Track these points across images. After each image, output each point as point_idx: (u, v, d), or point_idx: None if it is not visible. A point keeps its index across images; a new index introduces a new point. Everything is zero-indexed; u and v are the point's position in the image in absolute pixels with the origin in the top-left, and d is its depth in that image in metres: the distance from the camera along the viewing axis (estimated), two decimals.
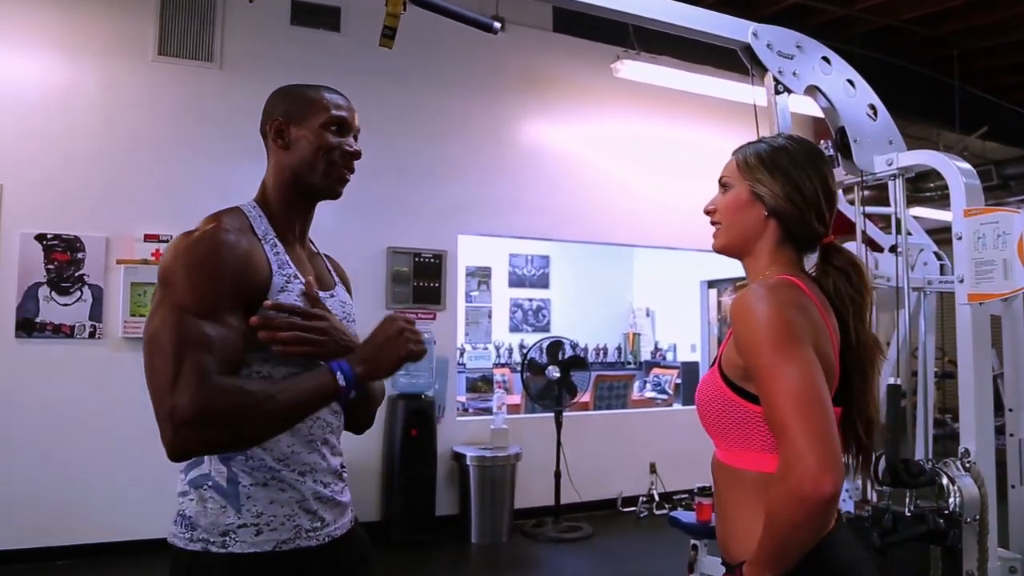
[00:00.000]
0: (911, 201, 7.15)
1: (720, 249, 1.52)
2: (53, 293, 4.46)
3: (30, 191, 4.46)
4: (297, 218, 1.52)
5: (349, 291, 1.67)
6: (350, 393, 1.37)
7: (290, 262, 1.44)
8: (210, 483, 1.36)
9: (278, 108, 1.51)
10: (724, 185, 1.51)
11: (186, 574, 1.35)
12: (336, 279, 1.61)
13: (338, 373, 1.35)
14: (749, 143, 1.52)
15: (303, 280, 1.44)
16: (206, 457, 1.35)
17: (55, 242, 4.47)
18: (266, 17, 5.03)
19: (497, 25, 2.12)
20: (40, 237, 4.45)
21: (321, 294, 1.48)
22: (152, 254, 4.54)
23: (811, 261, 1.51)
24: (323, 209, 1.56)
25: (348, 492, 1.54)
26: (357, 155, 1.52)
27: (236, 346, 1.30)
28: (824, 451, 1.18)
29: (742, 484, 1.37)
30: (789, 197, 1.43)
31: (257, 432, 1.31)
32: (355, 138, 1.54)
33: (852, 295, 1.43)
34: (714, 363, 1.44)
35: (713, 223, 1.53)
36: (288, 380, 1.34)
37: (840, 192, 3.17)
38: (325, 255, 1.66)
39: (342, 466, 1.53)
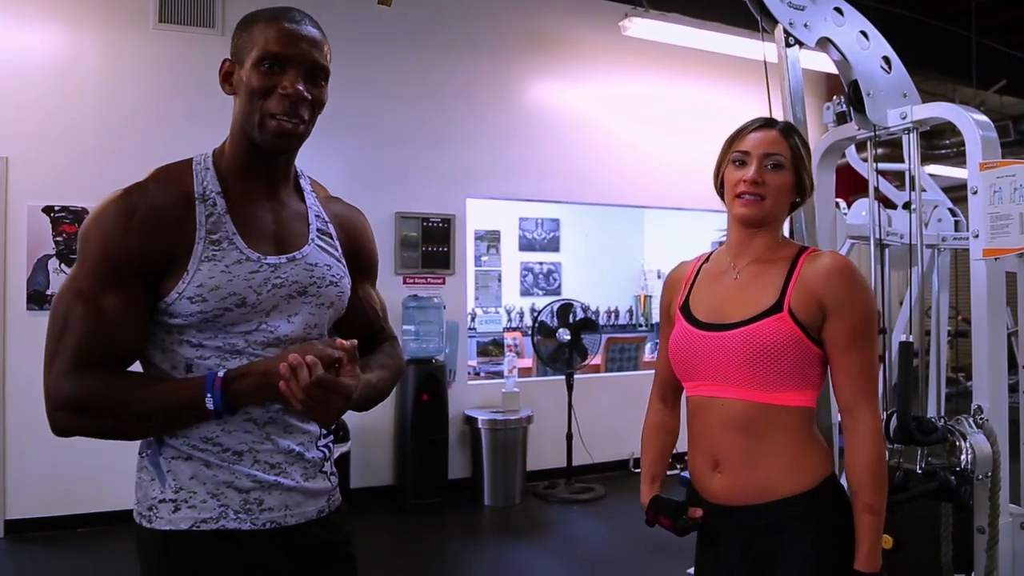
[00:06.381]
0: (926, 158, 7.06)
1: (757, 219, 1.59)
2: (62, 265, 4.47)
3: (35, 163, 4.46)
4: (258, 172, 1.34)
5: (361, 245, 1.51)
6: (224, 415, 1.23)
7: (231, 222, 1.28)
8: (147, 453, 1.30)
9: (231, 47, 1.31)
10: (778, 165, 1.57)
11: (137, 548, 1.30)
12: (313, 235, 1.39)
13: (208, 397, 1.20)
14: (788, 124, 1.64)
15: (241, 244, 1.27)
16: None
17: (62, 214, 4.48)
18: None
19: None
20: (48, 209, 4.46)
21: (276, 259, 1.31)
22: None
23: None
24: (329, 174, 1.50)
25: (322, 479, 1.39)
26: (295, 97, 1.25)
27: (129, 321, 1.22)
28: (879, 412, 1.55)
29: (790, 419, 1.50)
30: (811, 192, 1.64)
31: (126, 430, 1.25)
32: (317, 77, 1.29)
33: None
34: (773, 310, 1.51)
35: (756, 194, 1.56)
36: (160, 385, 1.24)
37: (853, 148, 3.12)
38: (334, 200, 1.50)
39: (311, 446, 1.37)
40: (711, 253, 1.74)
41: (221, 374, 1.21)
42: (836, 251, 1.56)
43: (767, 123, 1.62)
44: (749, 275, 1.59)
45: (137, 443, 1.32)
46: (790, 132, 1.61)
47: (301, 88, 1.26)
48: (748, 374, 1.51)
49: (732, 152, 1.61)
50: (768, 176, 1.56)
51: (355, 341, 1.24)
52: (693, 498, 1.64)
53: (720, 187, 1.66)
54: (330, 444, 1.44)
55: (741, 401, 1.52)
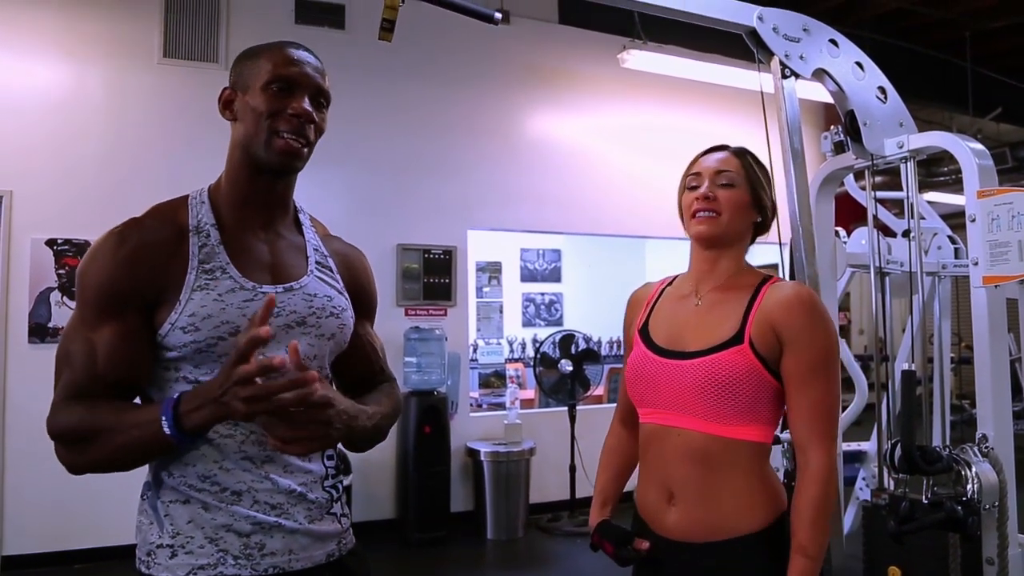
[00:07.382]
0: (924, 186, 7.09)
1: (714, 236, 1.57)
2: (64, 298, 4.48)
3: (39, 197, 4.48)
4: (256, 200, 1.34)
5: (362, 284, 1.50)
6: (189, 441, 1.17)
7: (224, 252, 1.28)
8: (146, 496, 1.27)
9: (231, 77, 1.34)
10: (729, 183, 1.56)
11: None
12: (312, 267, 1.38)
13: (164, 421, 1.14)
14: (740, 147, 1.64)
15: (237, 277, 1.26)
16: (148, 464, 1.26)
17: (65, 247, 4.49)
18: (271, 16, 5.03)
19: (498, 15, 2.10)
20: (50, 242, 4.48)
21: (273, 288, 1.29)
22: None
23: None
24: (331, 206, 1.50)
25: (330, 521, 1.34)
26: (304, 117, 1.28)
27: (122, 352, 1.21)
28: (833, 454, 1.45)
29: (745, 454, 1.46)
30: (772, 214, 1.64)
31: (115, 459, 1.19)
32: (320, 103, 1.33)
33: None
34: (733, 341, 1.47)
35: (709, 209, 1.55)
36: (132, 412, 1.19)
37: (851, 177, 3.13)
38: (334, 238, 1.50)
39: (315, 487, 1.32)
40: (676, 276, 1.71)
41: (176, 396, 1.16)
42: (800, 282, 1.51)
43: (718, 147, 1.63)
44: (710, 302, 1.55)
45: (138, 477, 1.30)
46: (742, 153, 1.61)
47: (309, 108, 1.29)
48: (705, 405, 1.46)
49: (687, 178, 1.62)
50: (720, 192, 1.55)
51: (315, 372, 1.17)
52: (640, 530, 1.57)
53: (682, 215, 1.64)
54: (339, 484, 1.38)
55: (698, 432, 1.47)
